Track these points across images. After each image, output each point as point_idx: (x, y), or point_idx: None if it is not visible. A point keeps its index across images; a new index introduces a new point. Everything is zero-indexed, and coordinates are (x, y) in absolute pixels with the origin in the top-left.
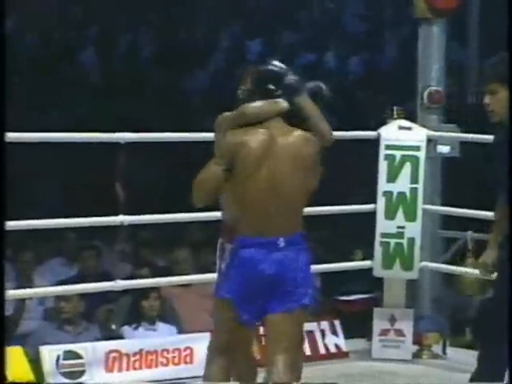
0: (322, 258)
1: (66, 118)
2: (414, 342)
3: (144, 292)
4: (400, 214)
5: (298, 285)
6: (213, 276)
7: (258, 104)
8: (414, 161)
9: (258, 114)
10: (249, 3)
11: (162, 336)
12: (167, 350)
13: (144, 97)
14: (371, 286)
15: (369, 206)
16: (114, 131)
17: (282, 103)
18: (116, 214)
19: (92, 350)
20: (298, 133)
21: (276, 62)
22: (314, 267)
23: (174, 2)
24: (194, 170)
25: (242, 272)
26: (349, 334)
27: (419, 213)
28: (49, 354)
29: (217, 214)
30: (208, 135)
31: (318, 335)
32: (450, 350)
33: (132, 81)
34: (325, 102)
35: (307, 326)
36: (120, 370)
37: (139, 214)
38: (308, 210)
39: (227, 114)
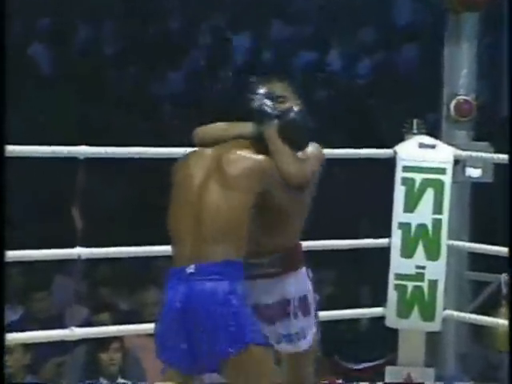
0: (324, 302)
1: (13, 127)
2: None
3: (103, 342)
4: (420, 251)
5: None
6: None
7: (213, 126)
8: (438, 186)
9: (207, 137)
10: None
11: None
12: None
13: (106, 103)
14: (382, 339)
15: (382, 241)
16: (71, 144)
17: (245, 128)
18: (72, 245)
19: None
20: (239, 153)
21: (254, 79)
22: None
23: None
24: (167, 191)
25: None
26: None
27: (443, 250)
28: None
29: None
30: (182, 150)
31: None
32: None
33: (91, 84)
34: (289, 130)
35: None
36: None
37: (99, 245)
38: (305, 244)
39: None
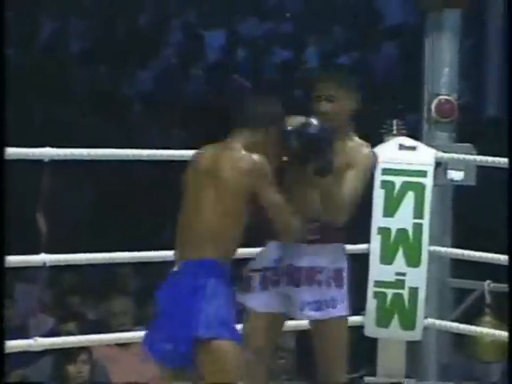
0: None
1: None
2: None
3: (70, 353)
4: (400, 258)
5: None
6: None
7: None
8: (419, 189)
9: None
10: None
11: None
12: None
13: (72, 103)
14: (361, 349)
15: (360, 247)
16: (34, 146)
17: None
18: (36, 251)
19: None
20: (234, 153)
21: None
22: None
23: None
24: (136, 195)
25: None
26: None
27: (424, 256)
28: None
29: (167, 254)
30: (151, 152)
31: None
32: None
33: (56, 83)
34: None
35: None
36: None
37: (65, 252)
38: None
39: None
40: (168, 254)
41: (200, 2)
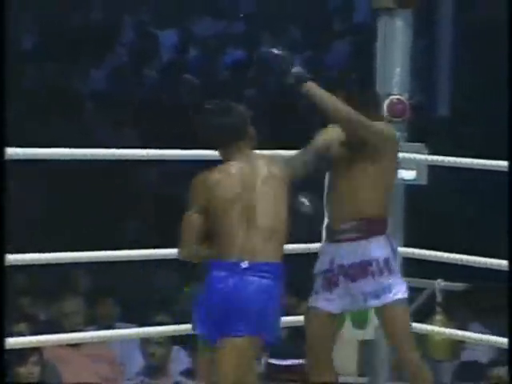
0: None
1: None
2: None
3: (20, 354)
4: None
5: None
6: (110, 333)
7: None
8: None
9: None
10: None
11: None
12: None
13: (22, 101)
14: None
15: (311, 246)
16: None
17: None
18: None
19: None
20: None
21: None
22: None
23: None
24: (87, 194)
25: None
26: None
27: None
28: None
29: (120, 254)
30: (104, 152)
31: None
32: None
33: (6, 80)
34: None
35: None
36: None
37: (16, 252)
38: None
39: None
40: (120, 254)
41: (153, 0)
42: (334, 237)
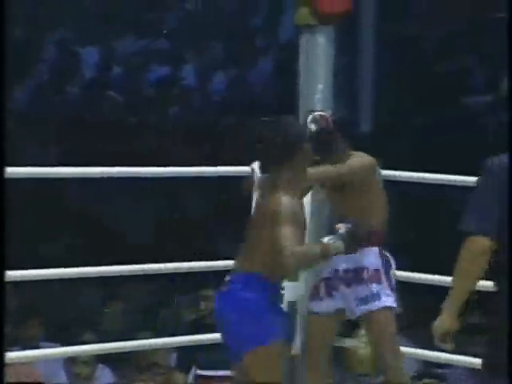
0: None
1: None
2: None
3: None
4: None
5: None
6: (34, 353)
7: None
8: None
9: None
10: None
11: None
12: None
13: None
14: None
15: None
16: None
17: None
18: None
19: None
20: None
21: None
22: None
23: None
24: (13, 212)
25: None
26: None
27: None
28: None
29: (43, 273)
30: (25, 170)
31: None
32: None
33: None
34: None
35: None
36: None
37: None
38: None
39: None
40: (43, 273)
41: (74, 17)
42: None
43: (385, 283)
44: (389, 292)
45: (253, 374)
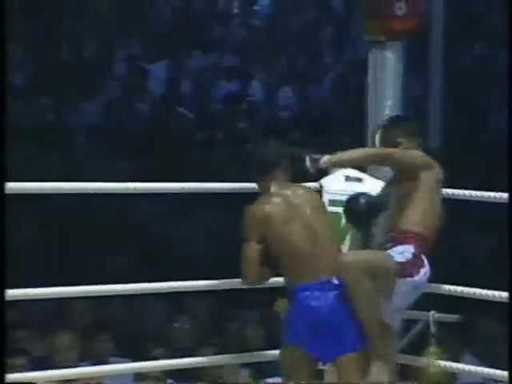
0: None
1: None
2: None
3: None
4: None
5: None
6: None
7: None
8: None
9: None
10: (149, 17)
11: None
12: None
13: (15, 136)
14: None
15: None
16: None
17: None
18: None
19: None
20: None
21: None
22: None
23: (52, 11)
24: (81, 228)
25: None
26: None
27: None
28: None
29: (113, 288)
30: (100, 186)
31: None
32: None
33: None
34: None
35: None
36: None
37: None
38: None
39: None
40: (113, 288)
41: (144, 34)
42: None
43: None
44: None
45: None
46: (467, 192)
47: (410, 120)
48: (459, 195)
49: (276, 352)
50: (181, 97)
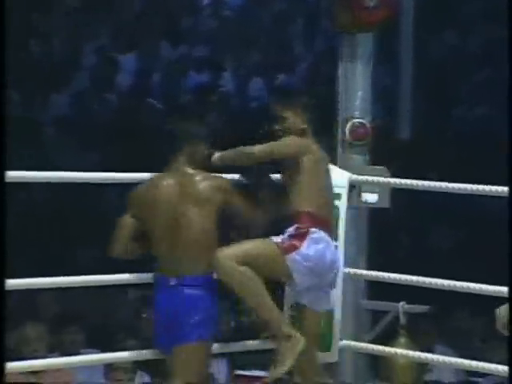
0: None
1: None
2: None
3: None
4: None
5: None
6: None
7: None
8: (334, 212)
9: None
10: (118, 8)
11: None
12: None
13: None
14: None
15: None
16: None
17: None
18: None
19: None
20: (201, 176)
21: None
22: None
23: (21, 4)
24: (50, 219)
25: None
26: None
27: (339, 278)
28: None
29: (82, 279)
30: (65, 175)
31: None
32: None
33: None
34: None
35: None
36: None
37: None
38: None
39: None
40: (82, 280)
41: (113, 25)
42: None
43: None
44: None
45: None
46: (450, 185)
47: (297, 95)
48: (406, 185)
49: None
50: (151, 88)
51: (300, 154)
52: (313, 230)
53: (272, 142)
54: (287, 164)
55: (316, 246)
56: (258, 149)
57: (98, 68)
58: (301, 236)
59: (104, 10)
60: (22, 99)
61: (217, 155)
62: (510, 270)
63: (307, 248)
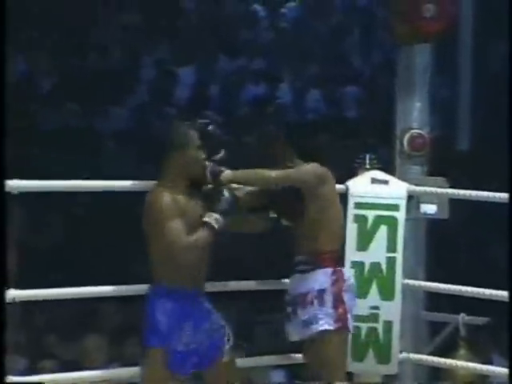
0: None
1: None
2: None
3: None
4: (374, 291)
5: None
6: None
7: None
8: (392, 223)
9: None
10: (177, 21)
11: None
12: None
13: (42, 140)
14: None
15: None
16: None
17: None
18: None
19: None
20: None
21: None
22: None
23: (78, 16)
24: (108, 228)
25: None
26: None
27: (398, 289)
28: None
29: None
30: (122, 184)
31: None
32: None
33: (24, 121)
34: (214, 142)
35: None
36: None
37: (36, 287)
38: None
39: None
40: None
41: (172, 38)
42: (293, 268)
43: (328, 304)
44: (329, 313)
45: None
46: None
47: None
48: (465, 195)
49: None
50: (209, 100)
51: (319, 183)
52: (346, 276)
53: (290, 169)
54: (304, 193)
55: (350, 282)
56: (275, 173)
57: (157, 81)
58: (340, 301)
59: (163, 24)
60: (82, 111)
61: (228, 172)
62: (509, 271)
63: (349, 292)
